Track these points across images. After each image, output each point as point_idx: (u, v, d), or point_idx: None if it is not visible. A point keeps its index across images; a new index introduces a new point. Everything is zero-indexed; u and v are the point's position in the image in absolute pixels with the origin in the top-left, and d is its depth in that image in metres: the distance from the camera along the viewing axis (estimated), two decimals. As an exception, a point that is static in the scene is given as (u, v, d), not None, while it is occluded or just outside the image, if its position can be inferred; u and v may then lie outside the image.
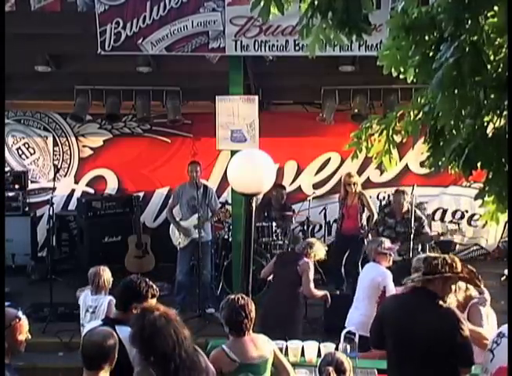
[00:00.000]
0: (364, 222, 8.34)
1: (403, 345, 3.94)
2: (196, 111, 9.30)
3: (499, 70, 3.00)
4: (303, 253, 6.22)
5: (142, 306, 3.38)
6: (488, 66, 2.97)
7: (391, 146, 3.67)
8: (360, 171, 9.50)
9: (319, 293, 6.38)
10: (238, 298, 4.12)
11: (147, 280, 3.98)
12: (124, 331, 3.51)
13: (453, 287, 4.00)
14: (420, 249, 7.73)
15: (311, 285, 6.14)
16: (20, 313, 3.42)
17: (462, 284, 4.56)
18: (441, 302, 3.93)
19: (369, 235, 8.22)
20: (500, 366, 3.86)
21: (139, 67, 7.93)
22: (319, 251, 6.28)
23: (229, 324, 4.10)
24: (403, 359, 3.95)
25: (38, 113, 10.10)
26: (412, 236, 7.47)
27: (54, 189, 8.46)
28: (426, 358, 3.85)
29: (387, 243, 6.06)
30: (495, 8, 2.94)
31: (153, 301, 3.87)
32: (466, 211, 9.86)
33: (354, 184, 8.25)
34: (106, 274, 5.59)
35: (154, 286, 3.94)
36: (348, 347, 4.54)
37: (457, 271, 3.90)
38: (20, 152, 10.18)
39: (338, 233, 8.59)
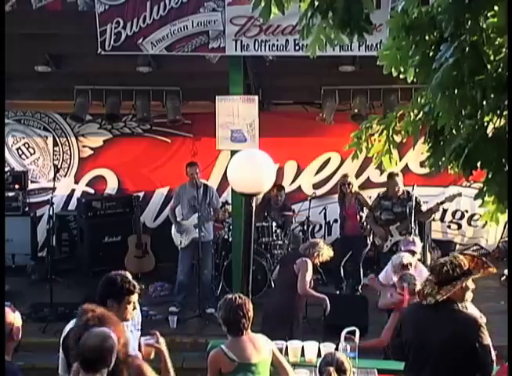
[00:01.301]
0: (364, 220, 8.34)
1: (422, 352, 3.91)
2: (196, 111, 9.31)
3: (499, 70, 2.99)
4: (305, 253, 6.13)
5: (82, 307, 3.36)
6: (488, 67, 2.97)
7: (391, 146, 3.67)
8: (360, 171, 9.51)
9: (315, 293, 6.25)
10: (235, 298, 4.11)
11: (126, 276, 3.93)
12: None
13: (469, 283, 3.97)
14: (417, 230, 7.76)
15: (307, 284, 5.98)
16: (16, 311, 3.45)
17: None
18: (460, 308, 3.91)
19: (367, 225, 8.22)
20: (501, 365, 3.87)
21: (139, 67, 7.93)
22: (323, 251, 6.11)
23: (227, 324, 4.10)
24: (422, 365, 3.92)
25: (38, 113, 10.09)
26: (410, 215, 7.56)
27: (54, 189, 8.46)
28: (444, 365, 3.83)
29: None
30: (495, 8, 2.94)
31: (131, 297, 3.84)
32: (466, 211, 9.86)
33: (349, 184, 8.28)
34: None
35: (132, 282, 3.89)
36: (348, 347, 4.53)
37: (466, 268, 3.88)
38: (20, 152, 10.18)
39: (342, 234, 8.66)
